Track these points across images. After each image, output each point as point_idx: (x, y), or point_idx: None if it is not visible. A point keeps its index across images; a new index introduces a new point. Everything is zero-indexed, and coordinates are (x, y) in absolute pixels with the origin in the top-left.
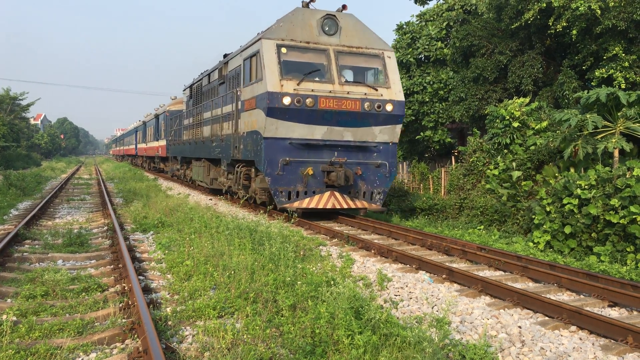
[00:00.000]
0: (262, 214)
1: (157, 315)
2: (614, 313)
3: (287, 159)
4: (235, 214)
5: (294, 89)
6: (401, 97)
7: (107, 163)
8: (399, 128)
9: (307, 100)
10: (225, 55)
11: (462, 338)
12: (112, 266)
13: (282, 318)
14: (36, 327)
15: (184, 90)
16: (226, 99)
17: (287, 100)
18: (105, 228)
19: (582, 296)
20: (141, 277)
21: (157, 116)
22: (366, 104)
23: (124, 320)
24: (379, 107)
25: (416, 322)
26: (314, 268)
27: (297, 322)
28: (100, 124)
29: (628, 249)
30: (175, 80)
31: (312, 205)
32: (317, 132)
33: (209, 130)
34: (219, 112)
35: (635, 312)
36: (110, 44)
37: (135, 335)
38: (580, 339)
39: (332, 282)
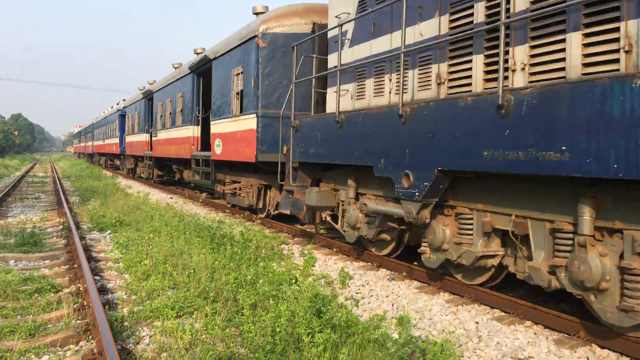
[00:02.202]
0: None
1: (113, 316)
2: (567, 308)
3: None
4: (197, 212)
5: None
6: None
7: (64, 161)
8: None
9: None
10: None
11: (421, 335)
12: (67, 266)
13: (242, 317)
14: None
15: None
16: None
17: None
18: (61, 227)
19: (536, 291)
20: (97, 277)
21: (197, 69)
22: None
23: (78, 322)
24: None
25: (377, 319)
26: (275, 267)
27: (257, 321)
28: (57, 121)
29: None
30: (137, 77)
31: None
32: None
33: None
34: None
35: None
36: (70, 38)
37: (90, 337)
38: (535, 333)
39: (293, 281)
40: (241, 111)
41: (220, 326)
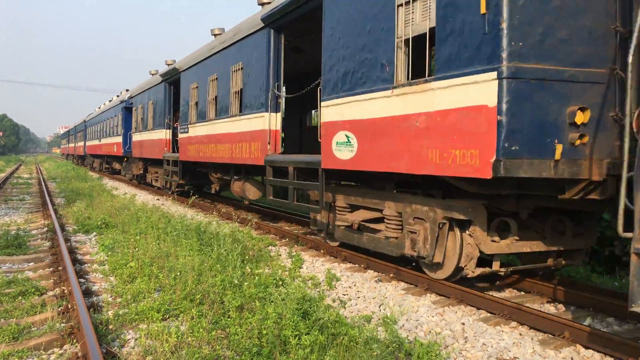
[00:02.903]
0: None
1: (98, 319)
2: (552, 309)
3: None
4: (184, 214)
5: None
6: None
7: (50, 162)
8: None
9: None
10: None
11: (408, 336)
12: (51, 269)
13: (228, 319)
14: None
15: None
16: None
17: None
18: (45, 229)
19: (522, 293)
20: (82, 280)
21: (279, 18)
22: None
23: (62, 325)
24: None
25: (364, 321)
26: (263, 269)
27: (244, 324)
28: (42, 122)
29: None
30: (125, 77)
31: None
32: None
33: None
34: None
35: (572, 307)
36: (60, 38)
37: (75, 340)
38: (520, 334)
39: (280, 283)
40: (433, 72)
41: (207, 329)
